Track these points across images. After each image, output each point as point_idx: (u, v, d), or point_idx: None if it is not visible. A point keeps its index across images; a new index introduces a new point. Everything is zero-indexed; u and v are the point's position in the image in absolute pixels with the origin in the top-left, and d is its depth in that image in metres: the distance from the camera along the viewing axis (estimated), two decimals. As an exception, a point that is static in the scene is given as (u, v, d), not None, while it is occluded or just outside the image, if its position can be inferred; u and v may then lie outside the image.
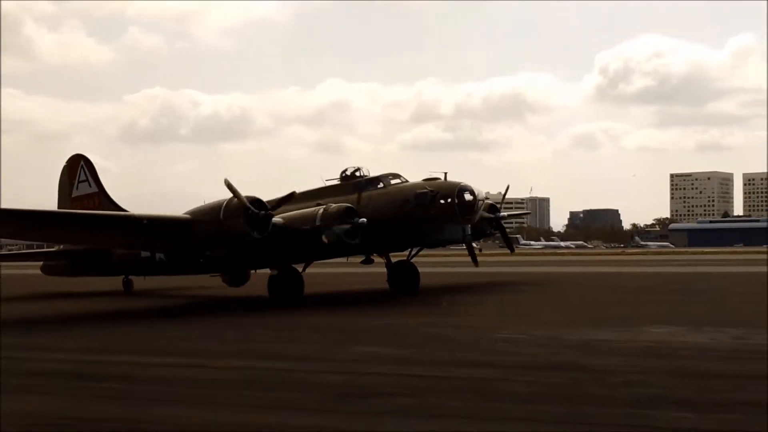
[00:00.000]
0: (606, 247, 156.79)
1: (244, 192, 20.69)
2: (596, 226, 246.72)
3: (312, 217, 21.58)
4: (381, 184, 23.90)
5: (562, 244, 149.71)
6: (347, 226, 21.63)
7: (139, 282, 30.50)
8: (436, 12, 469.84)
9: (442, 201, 22.62)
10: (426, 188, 22.94)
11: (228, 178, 20.73)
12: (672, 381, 10.08)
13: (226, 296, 27.09)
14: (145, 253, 26.39)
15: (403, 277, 25.94)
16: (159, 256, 26.05)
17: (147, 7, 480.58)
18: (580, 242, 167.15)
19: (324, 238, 21.28)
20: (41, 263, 32.51)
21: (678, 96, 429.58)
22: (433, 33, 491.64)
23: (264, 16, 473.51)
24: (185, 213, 21.83)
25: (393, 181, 24.03)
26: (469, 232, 24.01)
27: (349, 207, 21.91)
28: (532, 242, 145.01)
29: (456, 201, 22.56)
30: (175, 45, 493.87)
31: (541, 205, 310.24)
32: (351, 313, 20.17)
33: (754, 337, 14.08)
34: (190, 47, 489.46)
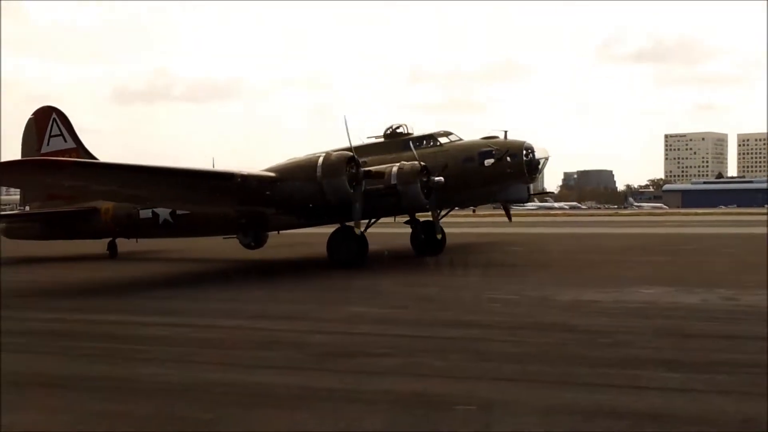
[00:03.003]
0: (601, 208, 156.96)
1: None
2: (590, 187, 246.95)
3: (387, 176, 20.90)
4: (434, 142, 23.57)
5: (556, 204, 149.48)
6: (425, 185, 21.22)
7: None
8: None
9: (509, 159, 22.51)
10: (490, 146, 22.77)
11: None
12: (660, 341, 10.04)
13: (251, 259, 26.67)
14: (145, 214, 25.59)
15: (429, 238, 25.26)
16: (164, 217, 25.33)
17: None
18: (574, 203, 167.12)
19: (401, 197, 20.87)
20: (3, 226, 30.49)
21: (673, 56, 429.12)
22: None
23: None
24: (264, 170, 20.89)
25: (442, 139, 23.70)
26: (532, 192, 23.86)
27: (424, 165, 21.38)
28: (528, 203, 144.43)
29: (524, 159, 22.50)
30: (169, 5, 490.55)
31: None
32: (344, 271, 20.05)
33: (745, 298, 14.03)
34: (183, 5, 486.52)
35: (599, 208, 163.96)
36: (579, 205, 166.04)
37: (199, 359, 9.49)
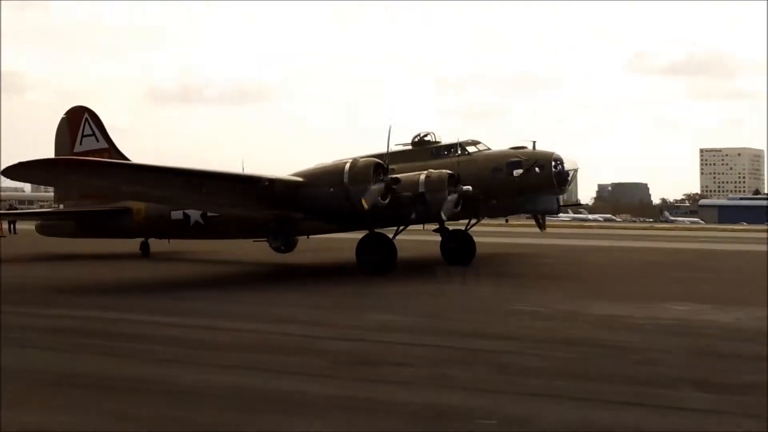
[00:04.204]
0: (635, 221, 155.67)
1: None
2: (625, 199, 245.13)
3: (414, 184, 20.75)
4: (462, 151, 23.36)
5: (590, 216, 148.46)
6: (453, 194, 21.00)
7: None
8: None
9: (537, 170, 22.38)
10: (519, 156, 22.64)
11: None
12: (691, 360, 9.81)
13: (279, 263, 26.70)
14: (177, 215, 25.75)
15: (459, 247, 24.82)
16: (195, 218, 25.47)
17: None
18: (608, 215, 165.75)
19: (428, 205, 20.64)
20: (36, 222, 31.41)
21: (708, 69, 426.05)
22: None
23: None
24: (292, 175, 20.84)
25: (470, 148, 23.56)
26: (562, 203, 23.67)
27: (451, 174, 21.16)
28: (560, 214, 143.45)
29: (553, 170, 22.36)
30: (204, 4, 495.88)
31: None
32: (372, 278, 19.95)
33: (780, 317, 13.71)
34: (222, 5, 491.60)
35: (634, 221, 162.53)
36: (613, 217, 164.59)
37: (218, 362, 9.40)
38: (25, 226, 44.08)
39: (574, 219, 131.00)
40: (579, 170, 23.62)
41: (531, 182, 22.50)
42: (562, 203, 25.12)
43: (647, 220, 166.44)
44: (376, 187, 19.72)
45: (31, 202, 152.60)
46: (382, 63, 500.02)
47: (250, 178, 20.14)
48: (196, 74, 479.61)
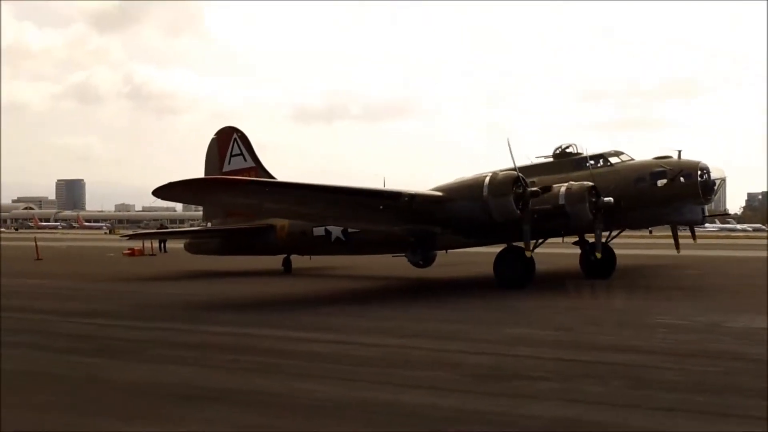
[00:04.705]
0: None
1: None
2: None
3: (555, 196, 20.69)
4: (604, 162, 23.24)
5: (738, 226, 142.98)
6: (593, 206, 20.94)
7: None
8: None
9: (683, 180, 22.03)
10: (663, 166, 22.34)
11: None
12: (838, 375, 9.42)
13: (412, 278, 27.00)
14: (318, 231, 26.44)
15: (599, 260, 23.73)
16: (336, 234, 26.07)
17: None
18: (758, 225, 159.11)
19: (569, 218, 20.65)
20: (185, 241, 32.66)
21: None
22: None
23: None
24: (431, 189, 21.03)
25: (612, 159, 23.33)
26: (707, 213, 23.23)
27: (593, 185, 21.17)
28: (707, 224, 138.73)
29: (699, 180, 21.97)
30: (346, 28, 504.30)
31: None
32: (509, 292, 19.89)
33: None
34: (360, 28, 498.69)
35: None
36: (763, 227, 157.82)
37: (356, 377, 9.62)
38: (176, 245, 45.86)
39: (721, 229, 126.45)
40: (726, 179, 22.98)
41: (675, 192, 22.02)
42: (707, 213, 24.37)
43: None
44: (515, 200, 19.71)
45: (182, 221, 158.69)
46: (528, 77, 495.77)
47: (390, 193, 20.37)
48: (341, 94, 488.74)
